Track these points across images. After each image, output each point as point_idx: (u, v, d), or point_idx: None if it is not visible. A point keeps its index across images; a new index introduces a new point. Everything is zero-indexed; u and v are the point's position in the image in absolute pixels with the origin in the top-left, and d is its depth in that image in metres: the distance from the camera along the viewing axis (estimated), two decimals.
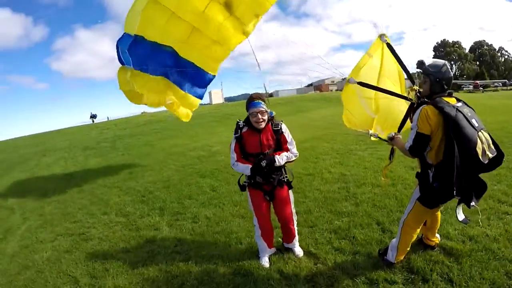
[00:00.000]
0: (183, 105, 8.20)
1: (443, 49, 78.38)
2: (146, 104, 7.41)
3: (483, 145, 2.57)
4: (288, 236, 3.80)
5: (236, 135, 3.46)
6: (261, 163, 3.31)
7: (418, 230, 3.22)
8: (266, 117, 3.40)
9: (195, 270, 3.72)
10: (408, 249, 3.27)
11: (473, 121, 2.63)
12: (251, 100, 3.40)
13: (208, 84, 8.21)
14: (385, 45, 3.58)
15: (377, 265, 3.36)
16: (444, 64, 2.86)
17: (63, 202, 7.60)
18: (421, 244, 3.55)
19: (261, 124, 3.38)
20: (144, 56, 6.57)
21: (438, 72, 2.82)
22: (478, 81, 54.25)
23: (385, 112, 3.74)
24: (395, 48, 3.56)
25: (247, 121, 3.47)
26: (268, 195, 3.58)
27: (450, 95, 2.84)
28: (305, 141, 10.90)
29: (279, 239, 4.04)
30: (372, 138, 3.70)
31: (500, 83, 56.94)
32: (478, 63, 78.55)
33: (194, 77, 7.81)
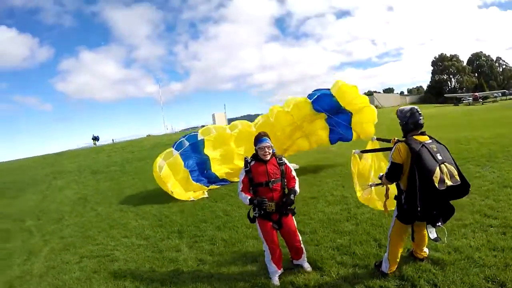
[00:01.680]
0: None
1: (441, 63, 78.29)
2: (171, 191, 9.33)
3: (443, 175, 3.18)
4: (297, 253, 4.29)
5: (246, 169, 4.02)
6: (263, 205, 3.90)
7: (402, 242, 3.82)
8: (271, 151, 4.04)
9: (218, 285, 4.18)
10: (398, 260, 3.81)
11: (438, 155, 3.27)
12: (259, 138, 4.04)
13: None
14: (357, 156, 4.68)
15: (373, 275, 3.88)
16: (409, 110, 3.55)
17: (82, 225, 7.97)
18: (412, 257, 4.09)
19: (267, 156, 3.99)
20: (191, 156, 10.19)
21: (404, 117, 3.57)
22: (477, 93, 53.95)
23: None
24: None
25: (253, 156, 4.09)
26: (277, 224, 4.09)
27: (422, 134, 3.52)
28: (308, 165, 11.41)
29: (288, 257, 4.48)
30: (373, 188, 4.50)
31: (500, 93, 56.62)
32: (476, 74, 78.66)
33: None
